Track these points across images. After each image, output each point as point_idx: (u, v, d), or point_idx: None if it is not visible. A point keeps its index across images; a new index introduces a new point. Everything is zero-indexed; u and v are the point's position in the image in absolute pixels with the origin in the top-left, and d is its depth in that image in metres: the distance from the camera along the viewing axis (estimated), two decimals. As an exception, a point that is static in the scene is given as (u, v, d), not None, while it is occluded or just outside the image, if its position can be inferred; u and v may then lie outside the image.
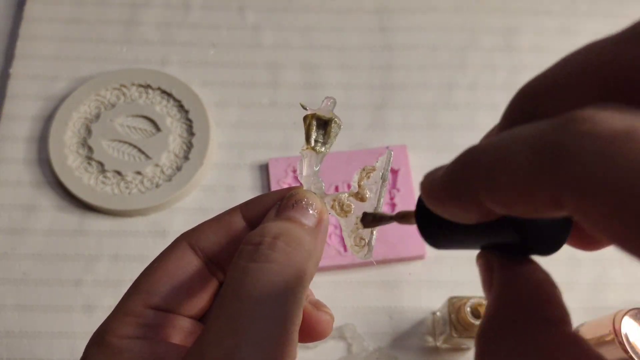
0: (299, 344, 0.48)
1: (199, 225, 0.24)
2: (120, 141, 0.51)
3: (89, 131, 0.52)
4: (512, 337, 0.15)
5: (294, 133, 0.53)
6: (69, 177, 0.50)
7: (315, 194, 0.24)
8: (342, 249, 0.47)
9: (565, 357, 0.14)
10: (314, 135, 0.24)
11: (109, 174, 0.50)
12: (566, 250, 0.55)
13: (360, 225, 0.24)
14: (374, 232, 0.24)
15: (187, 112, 0.52)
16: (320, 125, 0.24)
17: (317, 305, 0.24)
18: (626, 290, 0.48)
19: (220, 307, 0.20)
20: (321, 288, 0.47)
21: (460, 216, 0.16)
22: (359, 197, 0.24)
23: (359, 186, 0.24)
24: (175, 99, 0.53)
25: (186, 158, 0.51)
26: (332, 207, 0.24)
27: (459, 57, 0.56)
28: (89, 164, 0.51)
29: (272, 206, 0.24)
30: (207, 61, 0.56)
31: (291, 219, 0.22)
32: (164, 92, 0.53)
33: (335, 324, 0.46)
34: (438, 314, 0.45)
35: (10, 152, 0.52)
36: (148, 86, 0.53)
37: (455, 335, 0.41)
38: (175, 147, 0.51)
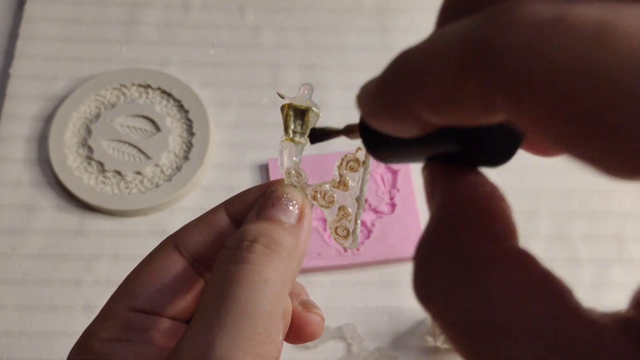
0: (299, 344, 0.47)
1: (184, 225, 0.24)
2: (120, 141, 0.51)
3: (89, 131, 0.52)
4: (451, 251, 0.13)
5: (294, 133, 0.53)
6: (69, 177, 0.50)
7: (296, 187, 0.23)
8: (342, 249, 0.47)
9: (507, 272, 0.13)
10: (292, 126, 0.23)
11: (109, 174, 0.50)
12: (565, 250, 0.54)
13: (345, 214, 0.23)
14: (358, 222, 0.23)
15: (187, 112, 0.52)
16: (298, 115, 0.23)
17: (307, 305, 0.24)
18: (626, 290, 0.48)
19: (199, 309, 0.20)
20: (321, 288, 0.47)
21: (398, 129, 0.14)
22: (341, 186, 0.23)
23: (340, 175, 0.23)
24: (175, 99, 0.53)
25: (186, 158, 0.51)
26: (315, 197, 0.23)
27: (459, 57, 0.56)
28: (89, 164, 0.51)
29: (254, 202, 0.24)
30: (207, 61, 0.56)
31: (271, 219, 0.22)
32: (164, 92, 0.53)
33: (335, 324, 0.46)
34: (438, 314, 0.45)
35: (10, 152, 0.52)
36: (148, 86, 0.53)
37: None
38: (175, 147, 0.51)
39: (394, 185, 0.50)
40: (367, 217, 0.48)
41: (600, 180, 0.49)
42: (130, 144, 0.51)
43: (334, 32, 0.57)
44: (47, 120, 0.53)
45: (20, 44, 0.56)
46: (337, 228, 0.23)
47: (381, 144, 0.17)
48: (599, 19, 0.10)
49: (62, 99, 0.53)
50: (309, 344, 0.45)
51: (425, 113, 0.13)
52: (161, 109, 0.53)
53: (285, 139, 0.23)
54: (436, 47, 0.12)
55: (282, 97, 0.23)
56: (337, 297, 0.47)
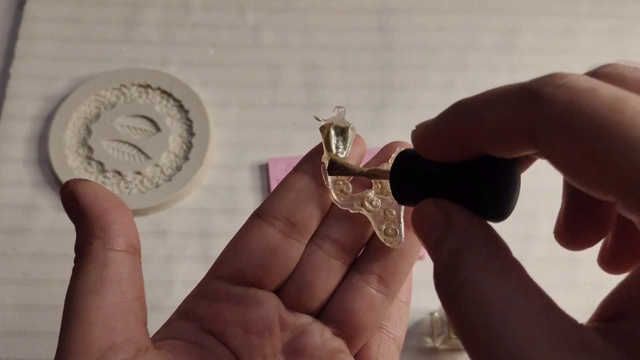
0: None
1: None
2: (120, 141, 0.52)
3: (89, 131, 0.52)
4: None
5: (294, 133, 0.53)
6: (69, 177, 0.49)
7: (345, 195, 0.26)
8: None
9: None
10: (334, 143, 0.25)
11: (109, 174, 0.50)
12: (565, 250, 0.54)
13: (390, 216, 0.25)
14: (402, 220, 0.25)
15: (187, 112, 0.52)
16: (339, 132, 0.25)
17: None
18: (626, 290, 0.48)
19: None
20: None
21: (447, 153, 0.19)
22: (384, 192, 0.26)
23: (380, 183, 0.26)
24: (175, 99, 0.53)
25: (186, 158, 0.51)
26: (363, 205, 0.25)
27: (459, 57, 0.56)
28: (89, 164, 0.51)
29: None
30: (207, 61, 0.56)
31: None
32: (164, 92, 0.53)
33: (335, 324, 0.46)
34: (436, 314, 0.45)
35: (10, 152, 0.52)
36: (148, 86, 0.53)
37: (453, 336, 0.41)
38: (175, 147, 0.51)
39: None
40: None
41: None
42: (130, 144, 0.51)
43: (334, 32, 0.57)
44: (47, 120, 0.53)
45: (20, 44, 0.56)
46: (385, 229, 0.25)
47: (409, 184, 0.21)
48: (616, 94, 0.15)
49: (62, 99, 0.53)
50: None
51: (477, 139, 0.17)
52: (161, 109, 0.53)
53: (329, 156, 0.25)
54: (496, 92, 0.17)
55: (319, 120, 0.26)
56: (337, 297, 0.47)
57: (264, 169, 0.51)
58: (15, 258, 0.48)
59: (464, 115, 0.18)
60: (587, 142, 0.15)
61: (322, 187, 0.25)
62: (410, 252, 0.26)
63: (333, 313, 0.25)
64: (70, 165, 0.50)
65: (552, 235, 0.50)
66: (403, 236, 0.25)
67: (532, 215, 0.49)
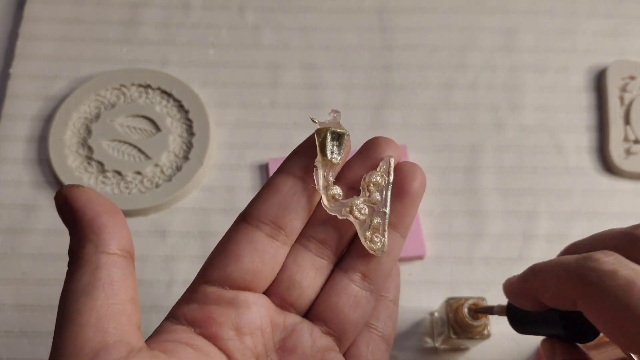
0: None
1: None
2: (120, 141, 0.52)
3: (89, 131, 0.52)
4: None
5: (294, 133, 0.53)
6: (69, 177, 0.50)
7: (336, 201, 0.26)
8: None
9: None
10: (329, 147, 0.25)
11: (109, 174, 0.50)
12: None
13: (376, 224, 0.26)
14: (386, 229, 0.26)
15: (187, 112, 0.52)
16: (335, 138, 0.25)
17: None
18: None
19: None
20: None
21: (527, 305, 0.27)
22: (370, 201, 0.26)
23: (368, 191, 0.26)
24: (175, 99, 0.53)
25: (186, 158, 0.51)
26: (351, 211, 0.26)
27: (459, 57, 0.56)
28: (89, 164, 0.51)
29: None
30: (207, 61, 0.56)
31: None
32: (164, 92, 0.53)
33: (335, 324, 0.46)
34: (436, 314, 0.45)
35: (10, 152, 0.52)
36: (148, 86, 0.53)
37: (453, 336, 0.41)
38: (175, 147, 0.51)
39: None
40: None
41: (600, 180, 0.49)
42: (130, 144, 0.51)
43: (334, 32, 0.57)
44: (47, 120, 0.53)
45: (20, 44, 0.56)
46: (370, 237, 0.26)
47: (519, 323, 0.32)
48: (630, 276, 0.21)
49: (62, 99, 0.53)
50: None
51: (544, 300, 0.25)
52: (161, 109, 0.53)
53: (323, 160, 0.25)
54: (553, 269, 0.25)
55: (315, 122, 0.26)
56: (337, 297, 0.47)
57: (264, 169, 0.51)
58: (15, 258, 0.48)
59: (535, 282, 0.26)
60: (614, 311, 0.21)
61: (308, 188, 0.25)
62: (393, 251, 0.26)
63: (320, 311, 0.26)
64: (70, 165, 0.50)
65: (552, 235, 0.52)
66: (387, 246, 0.26)
67: (532, 215, 0.49)
